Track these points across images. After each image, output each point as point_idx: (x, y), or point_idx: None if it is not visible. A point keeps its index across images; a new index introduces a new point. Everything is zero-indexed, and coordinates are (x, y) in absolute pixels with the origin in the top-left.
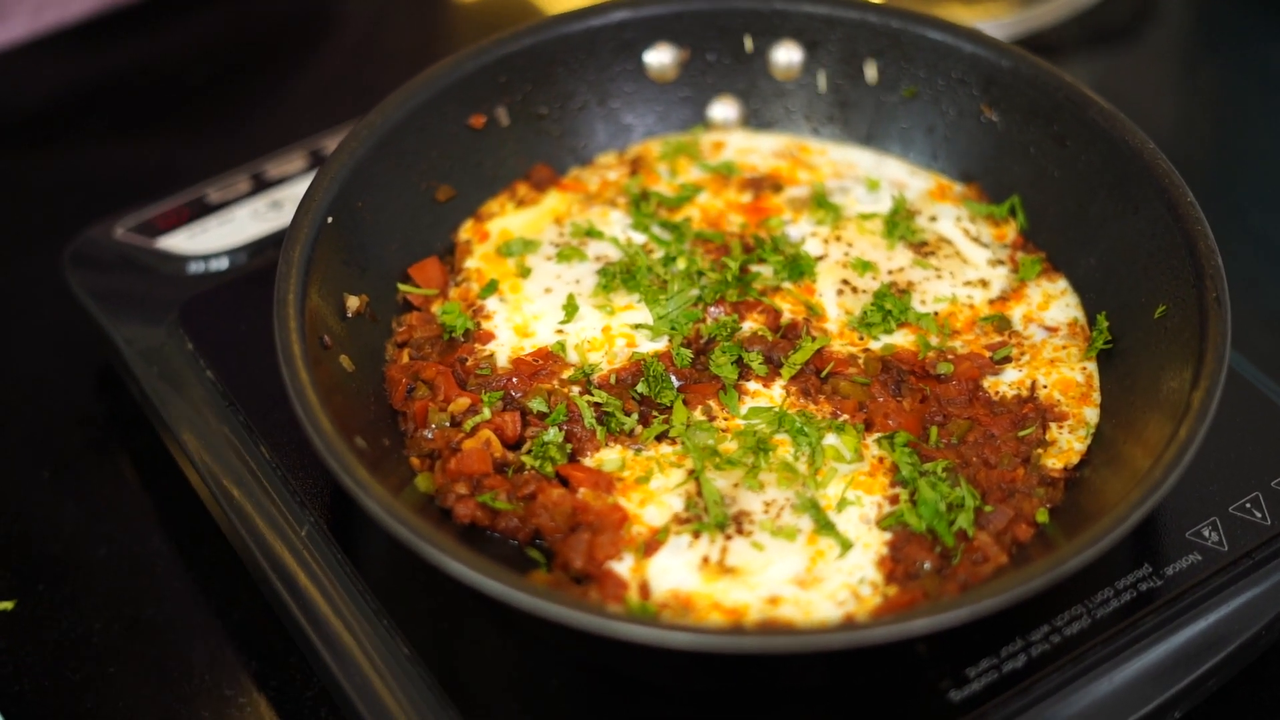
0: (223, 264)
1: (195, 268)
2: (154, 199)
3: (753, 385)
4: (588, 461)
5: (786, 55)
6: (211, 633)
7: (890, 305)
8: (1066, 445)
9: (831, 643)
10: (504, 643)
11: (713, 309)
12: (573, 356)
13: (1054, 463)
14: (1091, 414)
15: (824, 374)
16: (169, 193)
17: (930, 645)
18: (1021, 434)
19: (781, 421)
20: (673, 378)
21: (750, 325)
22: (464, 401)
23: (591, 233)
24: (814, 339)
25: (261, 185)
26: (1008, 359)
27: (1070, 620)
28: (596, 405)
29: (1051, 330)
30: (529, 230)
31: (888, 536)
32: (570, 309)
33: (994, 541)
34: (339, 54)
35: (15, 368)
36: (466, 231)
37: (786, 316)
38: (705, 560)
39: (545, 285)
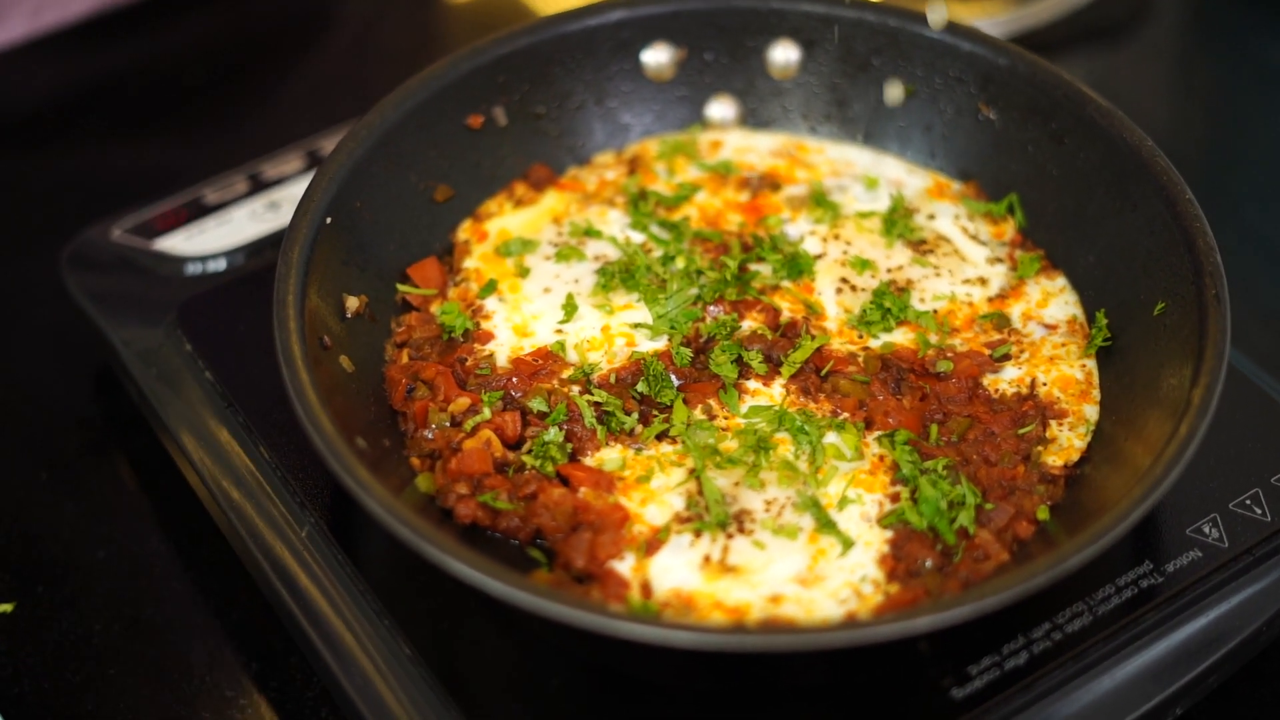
0: (220, 265)
1: (193, 269)
2: (151, 200)
3: (753, 384)
4: (588, 461)
5: (784, 54)
6: (211, 633)
7: (889, 303)
8: (1066, 442)
9: (834, 641)
10: (505, 643)
11: (712, 308)
12: (572, 356)
13: (1054, 460)
14: (1091, 411)
15: (824, 372)
16: (166, 194)
17: (932, 643)
18: (1021, 431)
19: (782, 420)
20: (672, 377)
21: (750, 324)
22: (464, 401)
23: (590, 232)
24: (813, 337)
25: (259, 186)
26: (1007, 356)
27: (1072, 617)
28: (596, 405)
29: (1051, 328)
30: (527, 230)
31: (889, 534)
32: (569, 308)
33: (995, 539)
34: (335, 54)
35: (13, 369)
36: (465, 231)
37: (786, 315)
38: (707, 559)
39: (544, 285)
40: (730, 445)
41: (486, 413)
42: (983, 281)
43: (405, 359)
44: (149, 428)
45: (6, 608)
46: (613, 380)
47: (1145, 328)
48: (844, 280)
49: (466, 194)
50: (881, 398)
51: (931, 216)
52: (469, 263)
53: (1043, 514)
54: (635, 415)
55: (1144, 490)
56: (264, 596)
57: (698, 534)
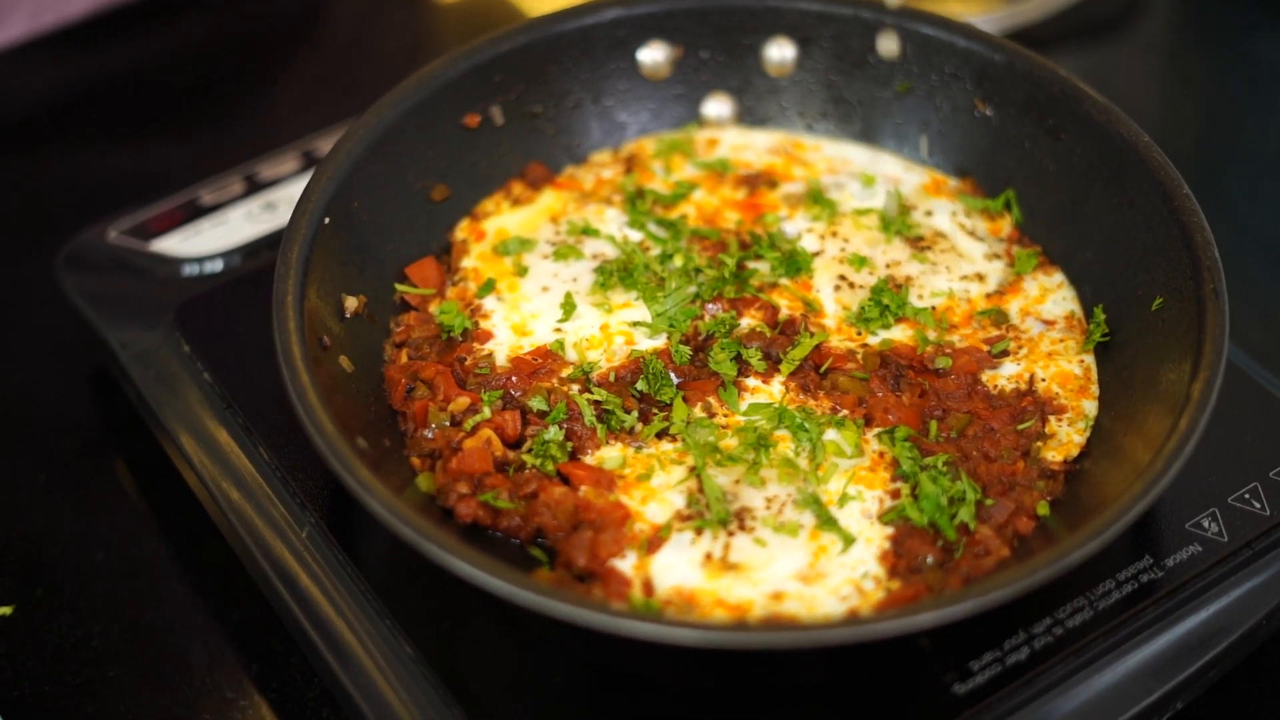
0: (217, 266)
1: (190, 270)
2: (147, 202)
3: (752, 381)
4: (589, 459)
5: (779, 52)
6: (211, 635)
7: (888, 300)
8: (1066, 438)
9: (837, 638)
10: (507, 642)
11: (710, 306)
12: (571, 355)
13: (1054, 455)
14: (1090, 406)
15: (823, 369)
16: (162, 195)
17: (933, 639)
18: (1020, 427)
19: (782, 417)
20: (672, 375)
21: (748, 322)
22: (464, 401)
23: (588, 231)
24: (812, 334)
25: (254, 187)
26: (1005, 352)
27: (1072, 612)
28: (596, 403)
29: (1049, 323)
30: (525, 229)
31: (889, 531)
32: (568, 307)
33: (995, 535)
34: (329, 55)
35: (11, 372)
36: (463, 231)
37: (784, 312)
38: (708, 557)
39: (542, 284)
40: (730, 443)
41: (486, 412)
42: (980, 278)
43: (404, 359)
44: (147, 429)
45: (6, 610)
46: (612, 379)
47: (1143, 323)
48: (842, 277)
49: (464, 193)
50: (881, 394)
51: (929, 213)
52: (467, 262)
53: (1043, 509)
54: (635, 413)
55: (1144, 485)
56: (264, 597)
57: (699, 532)
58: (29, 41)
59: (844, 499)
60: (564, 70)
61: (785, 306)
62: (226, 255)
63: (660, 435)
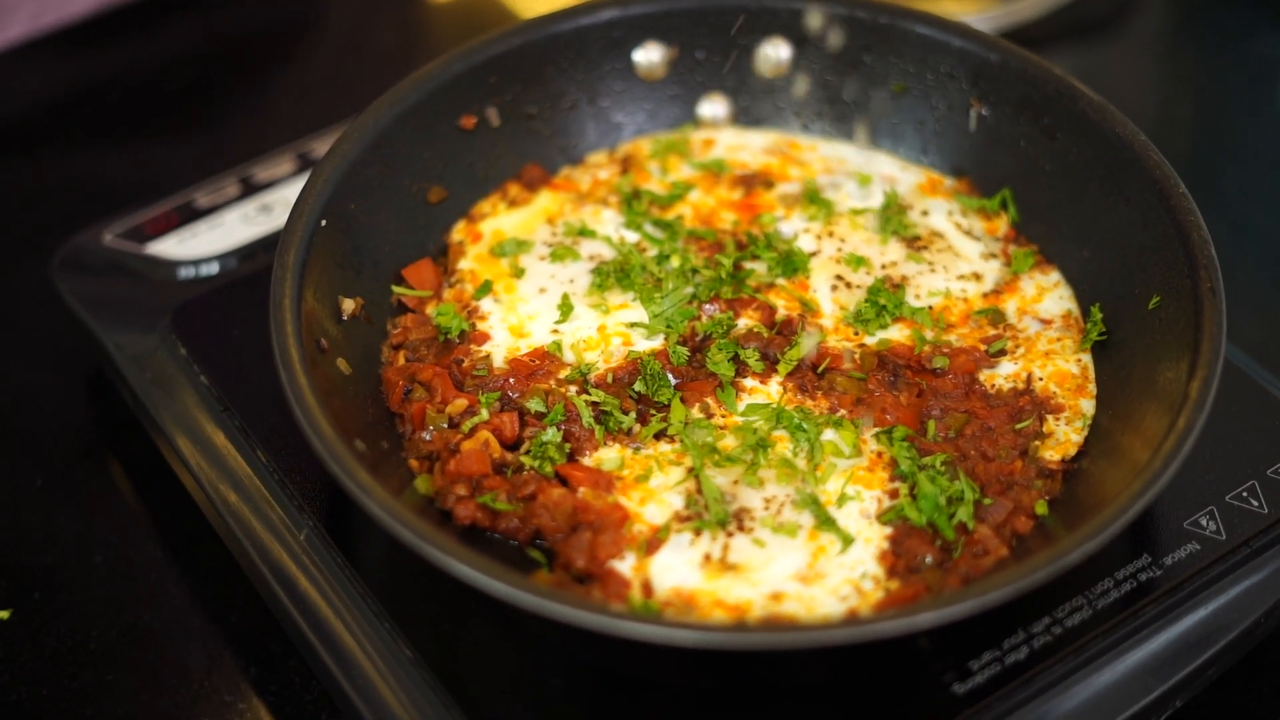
0: (213, 268)
1: (186, 273)
2: (142, 204)
3: (750, 382)
4: (587, 461)
5: (774, 52)
6: (209, 638)
7: (885, 300)
8: (1064, 437)
9: (837, 638)
10: (507, 643)
11: (708, 306)
12: (569, 356)
13: (1051, 455)
14: (1088, 405)
15: (820, 370)
16: (157, 198)
17: (933, 639)
18: (1018, 426)
19: (779, 418)
20: (669, 376)
21: (745, 322)
22: (461, 403)
23: (584, 232)
24: (810, 335)
25: (250, 189)
26: (1003, 352)
27: (1071, 611)
28: (594, 404)
29: (1045, 322)
30: (521, 230)
31: (888, 531)
32: (565, 309)
33: (994, 534)
34: (323, 57)
35: (6, 375)
36: (459, 232)
37: (781, 313)
38: (707, 558)
39: (539, 285)
40: (729, 443)
41: (484, 414)
42: (977, 277)
43: (402, 361)
44: (143, 432)
45: (3, 614)
46: (610, 380)
47: (1140, 322)
48: (839, 277)
49: (460, 195)
50: (878, 394)
51: (925, 213)
52: (464, 264)
53: (1041, 509)
54: (633, 414)
55: (1143, 484)
56: (262, 600)
57: (698, 533)
58: (25, 44)
59: (842, 499)
60: (560, 71)
61: (782, 307)
62: (222, 258)
63: (658, 436)
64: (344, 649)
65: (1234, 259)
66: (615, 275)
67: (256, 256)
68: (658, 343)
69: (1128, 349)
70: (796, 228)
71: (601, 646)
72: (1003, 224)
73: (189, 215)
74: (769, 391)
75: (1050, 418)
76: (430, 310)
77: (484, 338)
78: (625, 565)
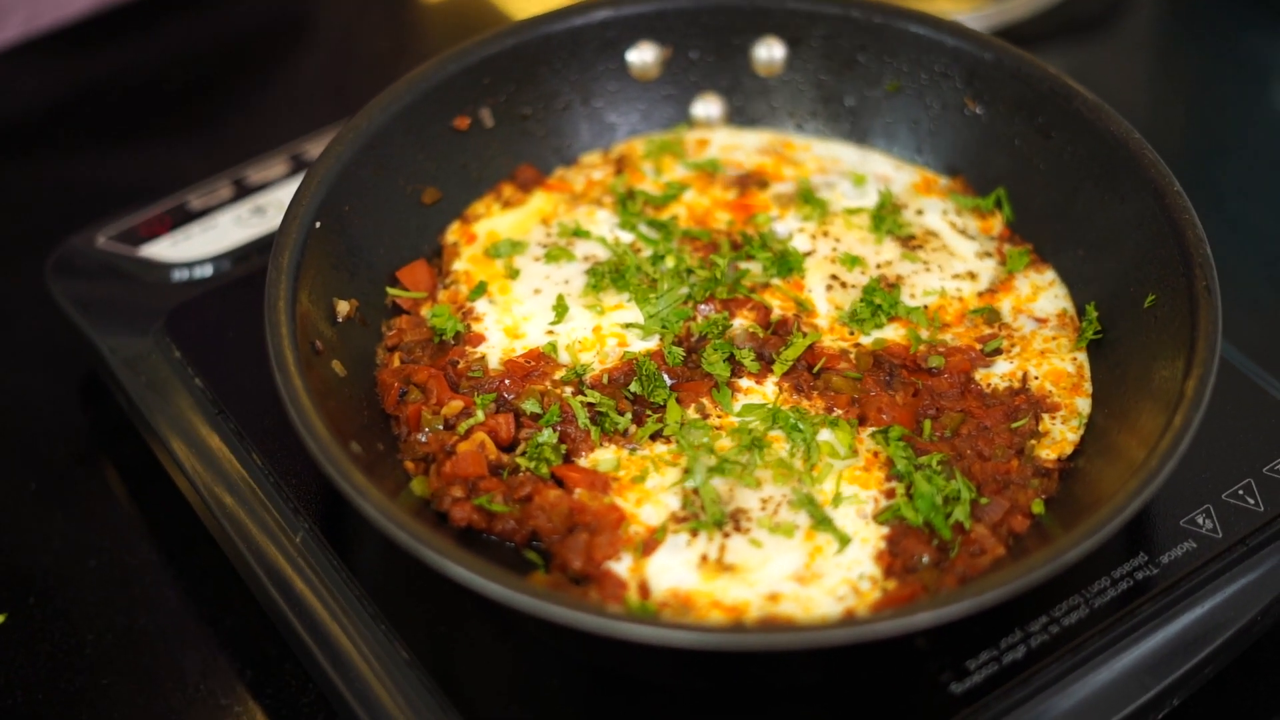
0: (207, 271)
1: (179, 275)
2: (135, 207)
3: (745, 382)
4: (583, 462)
5: (768, 51)
6: (205, 641)
7: (880, 300)
8: (1059, 436)
9: (834, 638)
10: (503, 645)
11: (703, 307)
12: (564, 357)
13: (1048, 453)
14: (1083, 404)
15: (816, 369)
16: (150, 200)
17: (930, 638)
18: (1014, 425)
19: (775, 418)
20: (665, 376)
21: (741, 322)
22: (457, 404)
23: (579, 233)
24: (805, 335)
25: (243, 191)
26: (998, 351)
27: (1068, 610)
28: (590, 405)
29: (1041, 321)
30: (516, 231)
31: (885, 531)
32: (560, 309)
33: (991, 533)
34: (315, 58)
35: None
36: (453, 234)
37: (777, 313)
38: (704, 558)
39: (534, 286)
40: (725, 444)
41: (480, 415)
42: (972, 276)
43: (397, 363)
44: (138, 435)
45: None
46: (605, 381)
47: (1136, 320)
48: (834, 277)
49: (454, 196)
50: (874, 394)
51: (919, 212)
52: (458, 265)
53: (1037, 508)
54: (629, 415)
55: (1140, 483)
56: (258, 603)
57: (694, 533)
58: (19, 45)
59: (838, 499)
60: (553, 72)
61: (777, 307)
62: (216, 260)
63: (654, 437)
64: (340, 651)
65: (1228, 257)
66: (610, 276)
67: (250, 259)
68: (653, 343)
69: (1123, 347)
70: (791, 227)
71: (598, 648)
72: (997, 223)
73: (182, 217)
74: (765, 392)
75: (1046, 417)
76: (425, 312)
77: (479, 339)
78: (622, 566)
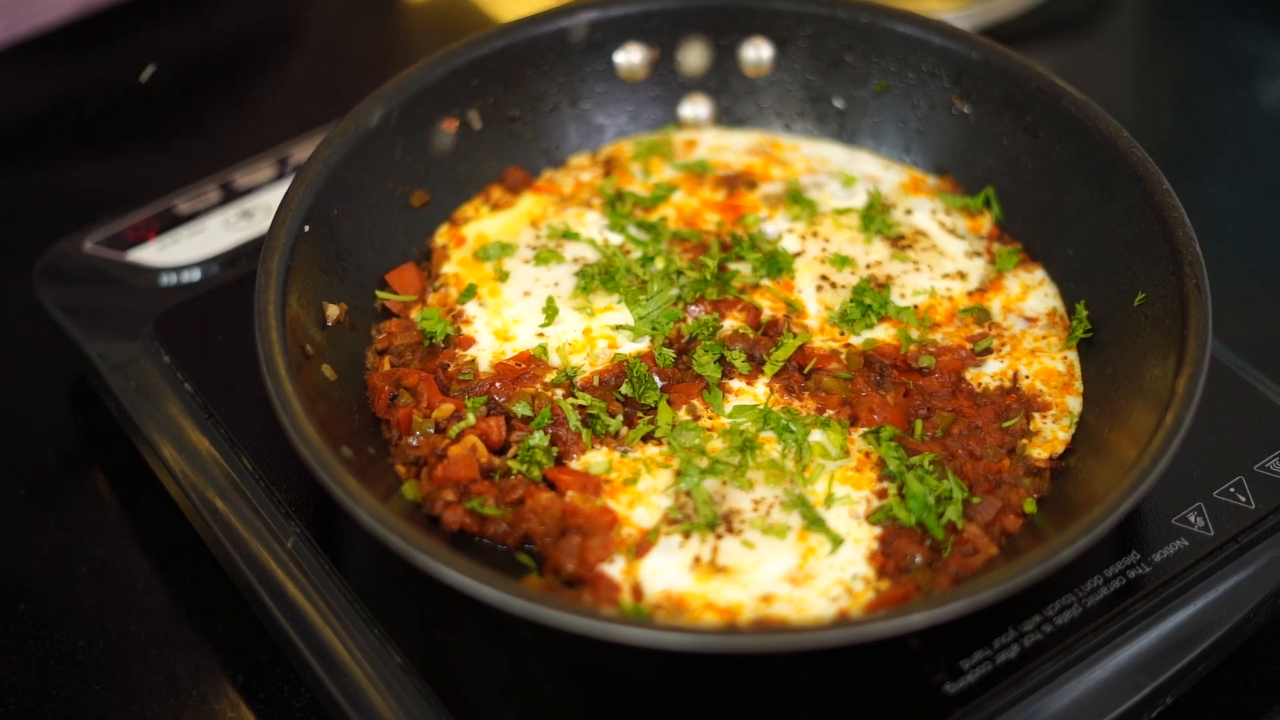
0: (195, 275)
1: (168, 280)
2: (122, 212)
3: (736, 384)
4: (574, 464)
5: (755, 52)
6: (197, 647)
7: (870, 300)
8: (1051, 435)
9: (829, 640)
10: (497, 648)
11: (693, 308)
12: (555, 359)
13: (1039, 453)
14: (1074, 403)
15: (807, 370)
16: (137, 205)
17: (923, 639)
18: (1005, 425)
19: (767, 419)
20: (656, 378)
21: (731, 323)
22: (448, 408)
23: (568, 235)
24: (795, 335)
25: (231, 195)
26: (989, 350)
27: (1061, 609)
28: (581, 408)
29: (1031, 320)
30: (505, 234)
31: (877, 531)
32: (550, 311)
33: (983, 533)
34: (301, 62)
35: None
36: (442, 236)
37: (767, 314)
38: (697, 560)
39: (524, 288)
40: (716, 445)
41: (470, 418)
42: (962, 275)
43: (387, 366)
44: (127, 441)
45: None
46: (596, 383)
47: (1126, 319)
48: (824, 277)
49: (443, 199)
50: (865, 394)
51: (908, 211)
52: (447, 268)
53: (1030, 507)
54: (620, 417)
55: (1133, 481)
56: (250, 608)
57: (687, 535)
58: (1, 52)
59: (831, 500)
60: (541, 74)
61: (768, 307)
62: (204, 264)
63: (646, 439)
64: (333, 656)
65: (1217, 253)
66: (600, 278)
67: (239, 262)
68: (643, 345)
69: (1114, 346)
70: (780, 228)
71: (592, 650)
72: (986, 222)
73: (170, 222)
74: (756, 393)
75: (1037, 416)
76: (415, 315)
77: (469, 342)
78: (615, 569)
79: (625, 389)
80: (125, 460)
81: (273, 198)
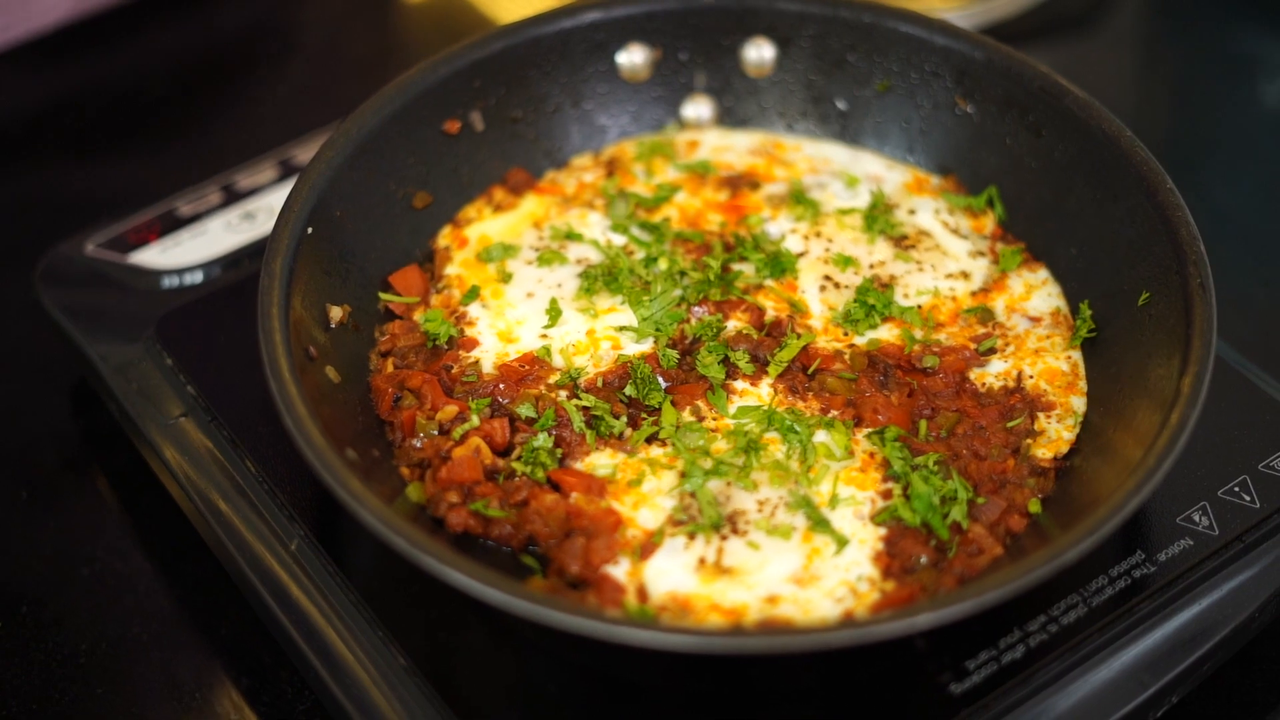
0: (197, 277)
1: (169, 282)
2: (123, 214)
3: (740, 384)
4: (579, 466)
5: (758, 52)
6: (200, 650)
7: (873, 300)
8: (1055, 435)
9: (835, 641)
10: (501, 650)
11: (696, 309)
12: (558, 361)
13: (1044, 453)
14: (1079, 403)
15: (811, 370)
16: (138, 207)
17: (929, 639)
18: (1010, 425)
19: (771, 420)
20: (660, 379)
21: (735, 324)
22: (451, 409)
23: (571, 235)
24: (799, 336)
25: (232, 197)
26: (992, 350)
27: (1067, 609)
28: (585, 409)
29: (1035, 320)
30: (508, 235)
31: (882, 532)
32: (553, 313)
33: (988, 533)
34: (300, 62)
35: None
36: (445, 238)
37: (770, 314)
38: (702, 561)
39: (527, 290)
40: (721, 446)
41: (475, 420)
42: (965, 275)
43: (390, 368)
44: (128, 443)
45: None
46: (600, 384)
47: (1130, 318)
48: (827, 278)
49: (445, 200)
50: (869, 394)
51: (912, 211)
52: (450, 269)
53: (1034, 507)
54: (624, 419)
55: (1138, 481)
56: (253, 611)
57: (691, 536)
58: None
59: (835, 501)
60: (543, 74)
61: (771, 308)
62: (206, 266)
63: (650, 440)
64: (337, 658)
65: (1218, 251)
66: (603, 279)
67: (241, 264)
68: (647, 346)
69: (1118, 346)
70: (784, 228)
71: (597, 652)
72: (990, 222)
73: (171, 224)
74: (760, 394)
75: (1041, 416)
76: (418, 317)
77: (472, 343)
78: (620, 570)
79: (629, 390)
80: (127, 462)
81: (274, 199)
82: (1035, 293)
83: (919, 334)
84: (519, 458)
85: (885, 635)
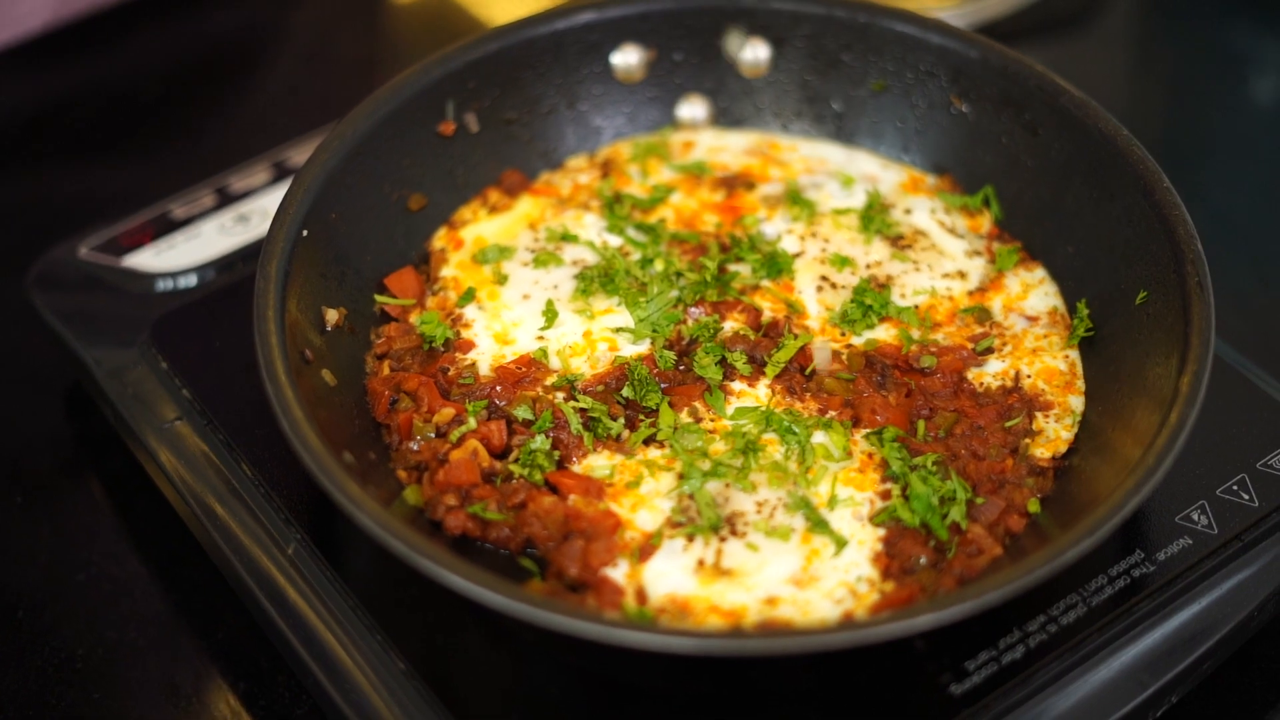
0: (191, 280)
1: (164, 285)
2: (117, 217)
3: (738, 385)
4: (576, 468)
5: (753, 52)
6: (197, 654)
7: (870, 300)
8: (1054, 434)
9: (835, 642)
10: (499, 653)
11: (693, 310)
12: (555, 362)
13: (1042, 452)
14: (1077, 402)
15: (808, 371)
16: (132, 210)
17: (928, 640)
18: (1008, 424)
19: (769, 421)
20: (657, 381)
21: (732, 325)
22: (448, 412)
23: (566, 237)
24: (796, 336)
25: (226, 199)
26: (990, 350)
27: (1066, 609)
28: (582, 411)
29: (1032, 319)
30: (503, 236)
31: (881, 532)
32: (550, 314)
33: (987, 533)
34: (292, 64)
35: None
36: (440, 240)
37: (767, 315)
38: (700, 563)
39: (523, 291)
40: (719, 448)
41: (472, 422)
42: (962, 275)
43: (386, 371)
44: (123, 447)
45: None
46: (598, 387)
47: (1128, 317)
48: (824, 278)
49: (440, 202)
50: (867, 395)
51: (908, 211)
52: (446, 271)
53: (1033, 507)
54: (621, 420)
55: (1137, 480)
56: (250, 615)
57: (690, 538)
58: None
59: (834, 501)
60: (537, 75)
61: (768, 309)
62: (201, 269)
63: (648, 442)
64: (335, 662)
65: (1215, 250)
66: (599, 280)
67: (235, 267)
68: (644, 347)
69: (1116, 345)
70: (780, 229)
71: (596, 654)
72: (986, 221)
73: (165, 227)
74: (757, 394)
75: (1040, 415)
76: (414, 319)
77: (469, 345)
78: (618, 573)
79: (626, 391)
80: (122, 466)
81: (268, 202)
82: (1032, 292)
83: (916, 334)
84: (516, 460)
85: (885, 636)
